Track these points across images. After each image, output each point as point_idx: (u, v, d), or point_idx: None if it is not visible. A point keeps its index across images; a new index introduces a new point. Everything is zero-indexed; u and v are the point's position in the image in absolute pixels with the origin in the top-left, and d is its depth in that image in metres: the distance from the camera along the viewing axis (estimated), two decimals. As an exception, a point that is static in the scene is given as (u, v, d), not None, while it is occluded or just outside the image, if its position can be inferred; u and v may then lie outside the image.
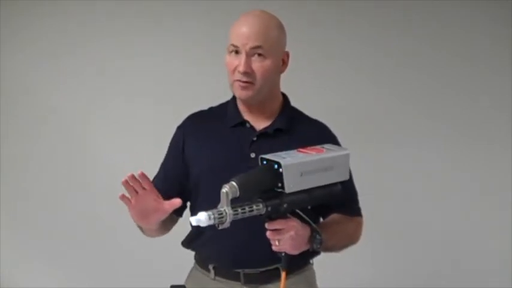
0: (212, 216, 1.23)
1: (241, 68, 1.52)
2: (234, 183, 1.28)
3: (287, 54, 1.61)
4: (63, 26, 2.61)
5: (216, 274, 1.63)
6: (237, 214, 1.27)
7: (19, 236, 2.67)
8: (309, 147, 1.42)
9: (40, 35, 2.62)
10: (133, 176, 1.45)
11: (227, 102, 1.70)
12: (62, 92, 2.64)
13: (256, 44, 1.52)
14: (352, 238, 1.68)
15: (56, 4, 2.60)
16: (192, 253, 1.71)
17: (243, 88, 1.55)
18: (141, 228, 1.64)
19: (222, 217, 1.25)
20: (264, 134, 1.61)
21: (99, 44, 2.62)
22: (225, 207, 1.26)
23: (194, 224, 1.24)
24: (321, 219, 1.66)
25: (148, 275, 2.52)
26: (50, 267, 2.66)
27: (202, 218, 1.23)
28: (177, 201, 1.45)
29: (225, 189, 1.27)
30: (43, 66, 2.63)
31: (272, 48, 1.54)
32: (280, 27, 1.59)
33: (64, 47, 2.61)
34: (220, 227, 1.27)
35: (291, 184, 1.33)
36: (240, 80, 1.54)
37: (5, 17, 2.60)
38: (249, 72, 1.53)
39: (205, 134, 1.65)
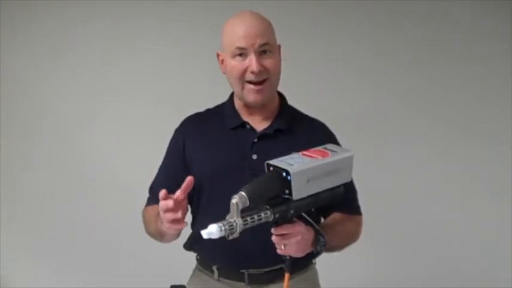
0: (223, 228, 1.22)
1: (255, 68, 1.52)
2: (243, 193, 1.26)
3: (279, 47, 1.63)
4: (63, 26, 2.61)
5: (220, 275, 1.64)
6: (247, 224, 1.27)
7: (19, 236, 2.67)
8: (312, 150, 1.41)
9: (40, 35, 2.62)
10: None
11: (223, 104, 1.70)
12: (61, 92, 2.64)
13: (264, 41, 1.53)
14: (352, 237, 1.69)
15: (56, 4, 2.59)
16: (193, 253, 1.72)
17: (257, 92, 1.55)
18: (153, 234, 1.62)
19: (233, 228, 1.24)
20: (264, 135, 1.61)
21: (98, 45, 2.62)
22: (235, 218, 1.25)
23: (206, 237, 1.23)
24: (322, 219, 1.66)
25: (149, 275, 2.52)
26: (50, 267, 2.66)
27: (213, 231, 1.22)
28: (189, 179, 1.38)
29: (235, 200, 1.25)
30: (43, 66, 2.62)
31: (274, 43, 1.57)
32: (271, 23, 1.61)
33: (64, 48, 2.61)
34: (230, 237, 1.26)
35: (299, 191, 1.32)
36: (252, 82, 1.54)
37: (5, 17, 2.60)
38: (262, 70, 1.53)
39: (205, 137, 1.65)
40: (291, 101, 1.72)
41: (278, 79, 1.60)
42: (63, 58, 2.62)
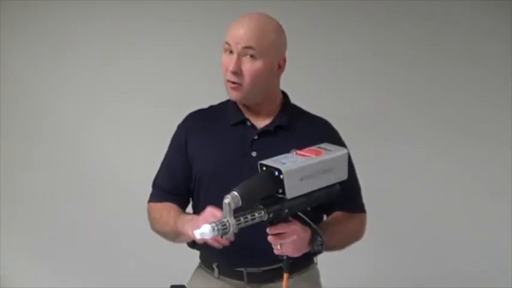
0: (216, 228, 1.23)
1: (230, 67, 1.52)
2: (235, 193, 1.26)
3: (284, 59, 1.60)
4: (63, 26, 2.61)
5: (219, 273, 1.64)
6: (240, 223, 1.27)
7: (19, 236, 2.67)
8: (306, 149, 1.41)
9: (40, 35, 2.62)
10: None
11: (227, 101, 1.70)
12: (61, 92, 2.64)
13: (248, 44, 1.51)
14: (355, 235, 1.68)
15: (56, 4, 2.59)
16: (194, 253, 1.72)
17: (233, 89, 1.56)
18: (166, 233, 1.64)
19: (226, 228, 1.24)
20: (264, 132, 1.61)
21: (98, 45, 2.62)
22: (227, 218, 1.25)
23: (198, 237, 1.24)
24: (325, 217, 1.66)
25: (148, 275, 2.52)
26: (50, 267, 2.66)
27: (206, 231, 1.22)
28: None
29: (227, 200, 1.25)
30: (43, 66, 2.62)
31: (265, 51, 1.53)
32: (278, 31, 1.57)
33: (64, 48, 2.61)
34: (224, 237, 1.27)
35: (292, 190, 1.32)
36: (229, 80, 1.55)
37: (5, 17, 2.60)
38: (237, 73, 1.53)
39: (207, 133, 1.65)
40: (291, 101, 1.72)
41: (256, 87, 1.55)
42: (63, 58, 2.62)
